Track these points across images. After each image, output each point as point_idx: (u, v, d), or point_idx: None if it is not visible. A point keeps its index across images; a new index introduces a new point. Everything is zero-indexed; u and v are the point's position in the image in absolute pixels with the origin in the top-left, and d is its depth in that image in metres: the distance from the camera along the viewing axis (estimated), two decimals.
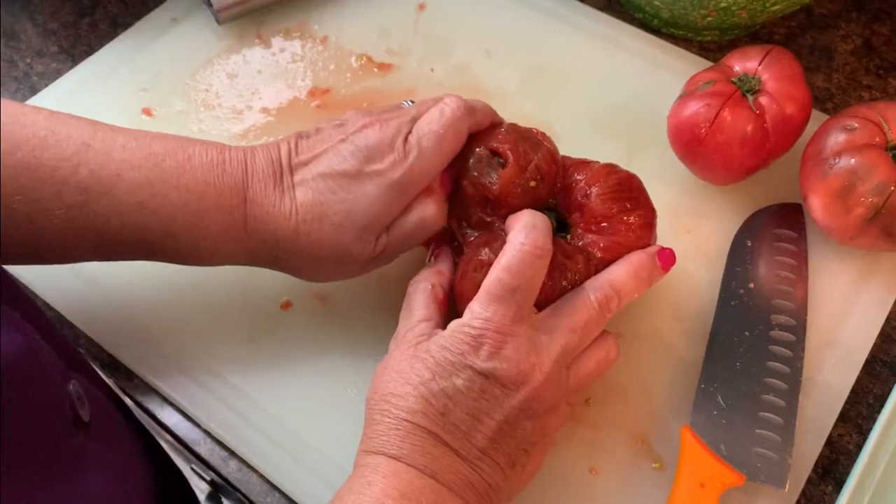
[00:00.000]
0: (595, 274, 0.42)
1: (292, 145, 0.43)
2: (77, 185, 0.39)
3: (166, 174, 0.40)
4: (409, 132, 0.42)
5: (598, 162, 0.45)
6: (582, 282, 0.42)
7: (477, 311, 0.38)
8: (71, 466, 0.34)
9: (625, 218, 0.43)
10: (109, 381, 0.48)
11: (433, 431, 0.36)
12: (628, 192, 0.44)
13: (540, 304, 0.40)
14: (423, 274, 0.43)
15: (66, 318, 0.49)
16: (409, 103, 0.46)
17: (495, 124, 0.46)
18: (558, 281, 0.41)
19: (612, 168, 0.45)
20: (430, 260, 0.45)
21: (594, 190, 0.43)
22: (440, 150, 0.42)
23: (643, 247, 0.43)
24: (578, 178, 0.44)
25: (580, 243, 0.43)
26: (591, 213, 0.43)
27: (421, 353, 0.38)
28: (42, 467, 0.31)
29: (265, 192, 0.41)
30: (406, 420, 0.37)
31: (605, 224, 0.43)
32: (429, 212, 0.43)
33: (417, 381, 0.37)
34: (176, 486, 0.52)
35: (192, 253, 0.42)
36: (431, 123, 0.42)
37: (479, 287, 0.39)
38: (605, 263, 0.42)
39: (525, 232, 0.39)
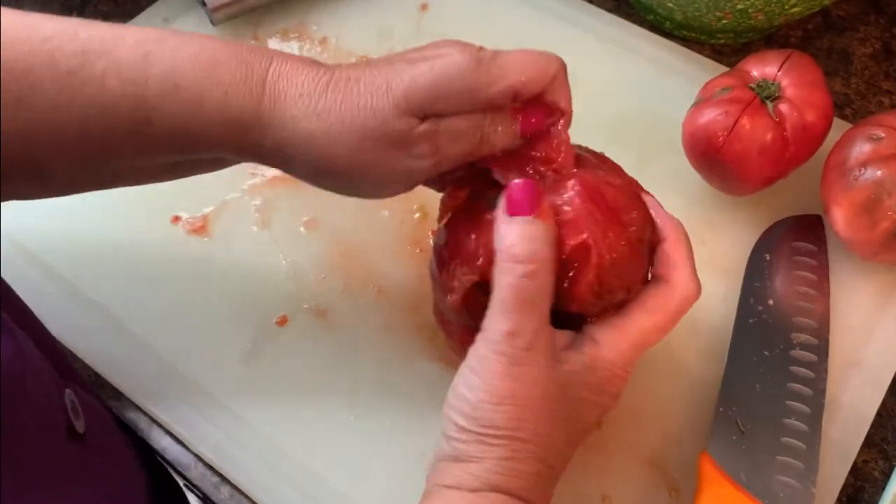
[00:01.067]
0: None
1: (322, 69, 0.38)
2: (73, 50, 0.35)
3: (176, 35, 0.36)
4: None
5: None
6: None
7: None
8: (65, 478, 0.32)
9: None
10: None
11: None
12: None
13: None
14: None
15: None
16: None
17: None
18: None
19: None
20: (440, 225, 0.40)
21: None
22: (525, 66, 0.36)
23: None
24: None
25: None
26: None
27: (571, 391, 0.35)
28: (36, 479, 0.30)
29: (297, 60, 0.37)
30: (556, 471, 0.34)
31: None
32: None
33: (562, 423, 0.34)
34: (173, 499, 0.50)
35: (193, 114, 0.36)
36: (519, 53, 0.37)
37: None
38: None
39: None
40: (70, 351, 0.46)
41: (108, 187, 0.40)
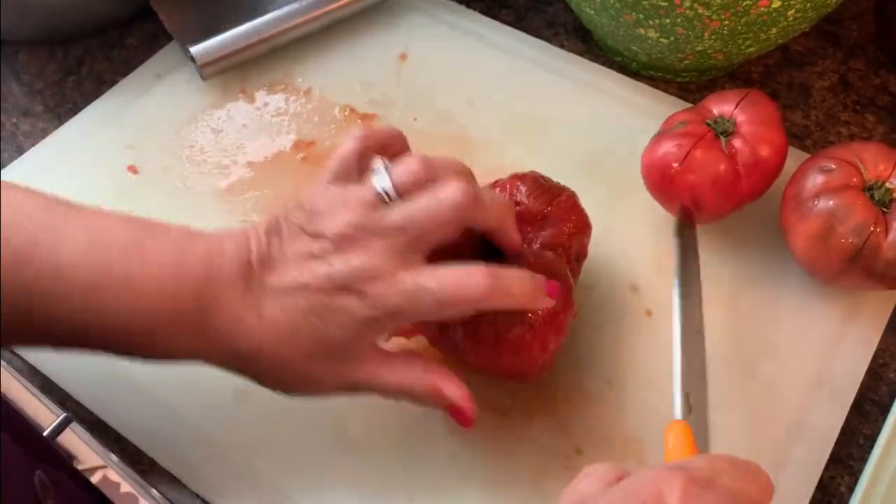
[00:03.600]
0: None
1: (264, 243, 0.38)
2: (22, 288, 0.36)
3: (116, 280, 0.36)
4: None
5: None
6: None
7: None
8: None
9: (556, 202, 0.46)
10: (97, 446, 0.48)
11: None
12: (544, 184, 0.47)
13: None
14: None
15: (50, 380, 0.49)
16: (382, 168, 0.38)
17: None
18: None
19: (519, 174, 0.48)
20: None
21: (522, 189, 0.46)
22: (405, 313, 0.37)
23: (577, 223, 0.46)
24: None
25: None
26: (529, 214, 0.45)
27: None
28: None
29: (230, 303, 0.37)
30: None
31: (542, 219, 0.45)
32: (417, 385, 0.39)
33: None
34: None
35: (144, 353, 0.39)
36: (406, 282, 0.37)
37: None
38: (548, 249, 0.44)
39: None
40: (71, 397, 0.48)
41: None
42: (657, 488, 0.28)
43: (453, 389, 0.39)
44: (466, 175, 0.39)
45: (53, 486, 0.36)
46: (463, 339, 0.42)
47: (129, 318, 0.36)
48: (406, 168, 0.38)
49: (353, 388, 0.39)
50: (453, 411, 0.40)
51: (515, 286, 0.38)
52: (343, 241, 0.36)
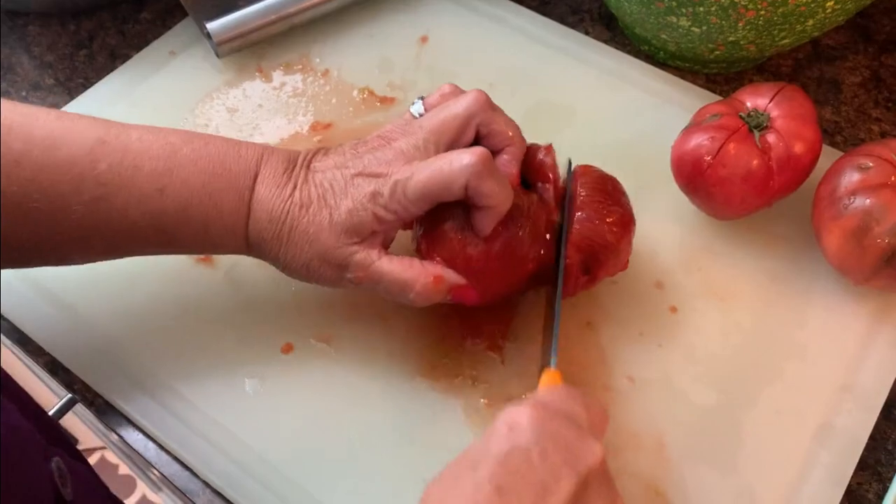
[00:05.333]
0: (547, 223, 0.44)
1: (311, 154, 0.44)
2: (96, 180, 0.40)
3: (185, 160, 0.41)
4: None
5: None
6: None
7: None
8: None
9: (603, 211, 0.44)
10: (102, 427, 0.47)
11: None
12: (609, 189, 0.46)
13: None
14: None
15: (59, 362, 0.48)
16: (417, 103, 0.45)
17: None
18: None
19: (590, 166, 0.47)
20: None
21: (579, 181, 0.46)
22: (428, 189, 0.41)
23: (616, 243, 0.44)
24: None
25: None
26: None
27: None
28: None
29: (274, 176, 0.42)
30: None
31: (581, 213, 0.44)
32: (419, 287, 0.42)
33: None
34: None
35: (204, 235, 0.42)
36: (426, 168, 0.41)
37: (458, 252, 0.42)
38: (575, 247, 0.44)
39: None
40: (79, 378, 0.47)
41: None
42: (512, 417, 0.33)
43: (452, 275, 0.42)
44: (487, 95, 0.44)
45: (70, 473, 0.35)
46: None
47: (195, 192, 0.41)
48: (438, 91, 0.45)
49: (359, 273, 0.42)
50: (457, 292, 0.43)
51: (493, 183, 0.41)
52: (377, 143, 0.43)
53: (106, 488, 0.43)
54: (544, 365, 0.41)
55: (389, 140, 0.43)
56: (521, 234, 0.43)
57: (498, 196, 0.40)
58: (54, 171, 0.39)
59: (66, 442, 0.43)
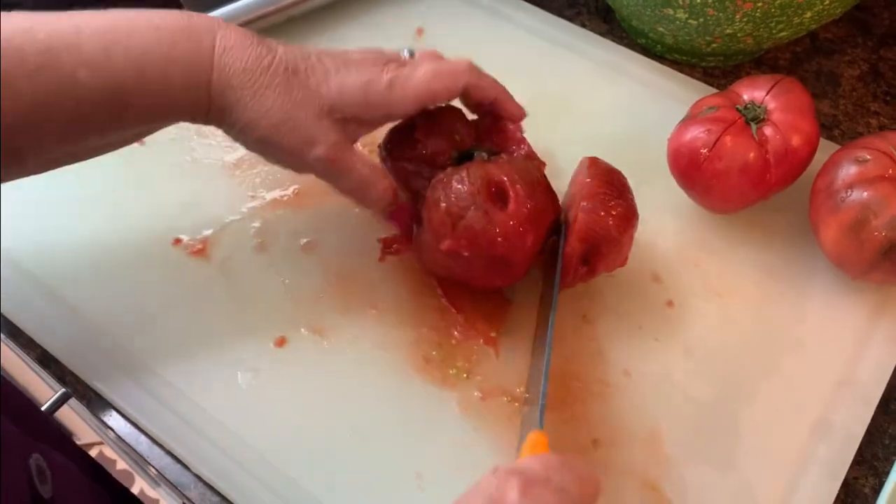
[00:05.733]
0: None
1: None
2: (36, 49, 0.37)
3: (130, 16, 0.40)
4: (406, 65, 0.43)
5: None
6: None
7: None
8: None
9: (609, 203, 0.44)
10: (95, 422, 0.46)
11: None
12: (616, 182, 0.45)
13: None
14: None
15: (51, 355, 0.48)
16: (408, 51, 0.47)
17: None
18: None
19: (598, 159, 0.47)
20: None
21: (586, 172, 0.45)
22: (426, 85, 0.43)
23: (618, 237, 0.44)
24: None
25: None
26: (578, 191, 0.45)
27: None
28: None
29: (241, 34, 0.41)
30: None
31: (586, 204, 0.44)
32: (377, 183, 0.43)
33: None
34: None
35: (161, 98, 0.40)
36: (429, 65, 0.43)
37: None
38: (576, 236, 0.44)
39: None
40: (70, 371, 0.47)
41: (80, 160, 0.43)
42: (498, 493, 0.31)
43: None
44: None
45: (52, 469, 0.34)
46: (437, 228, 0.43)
47: (148, 42, 0.39)
48: (426, 51, 0.46)
49: (329, 154, 0.42)
50: (398, 213, 0.45)
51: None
52: (363, 52, 0.44)
53: (93, 484, 0.43)
54: (529, 426, 0.40)
55: (369, 58, 0.43)
56: (536, 181, 0.44)
57: (497, 84, 0.45)
58: None
59: (55, 437, 0.42)
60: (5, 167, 0.40)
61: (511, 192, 0.42)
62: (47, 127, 0.39)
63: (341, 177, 0.43)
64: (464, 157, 0.45)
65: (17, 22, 0.38)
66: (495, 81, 0.46)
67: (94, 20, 0.39)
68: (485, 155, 0.45)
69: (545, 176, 0.45)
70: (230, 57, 0.40)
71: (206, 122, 0.42)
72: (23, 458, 0.33)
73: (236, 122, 0.42)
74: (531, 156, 0.47)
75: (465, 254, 0.42)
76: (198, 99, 0.41)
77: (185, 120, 0.42)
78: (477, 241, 0.42)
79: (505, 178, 0.43)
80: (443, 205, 0.42)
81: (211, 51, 0.40)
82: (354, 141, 0.44)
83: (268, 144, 0.42)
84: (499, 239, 0.42)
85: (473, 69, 0.45)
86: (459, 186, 0.42)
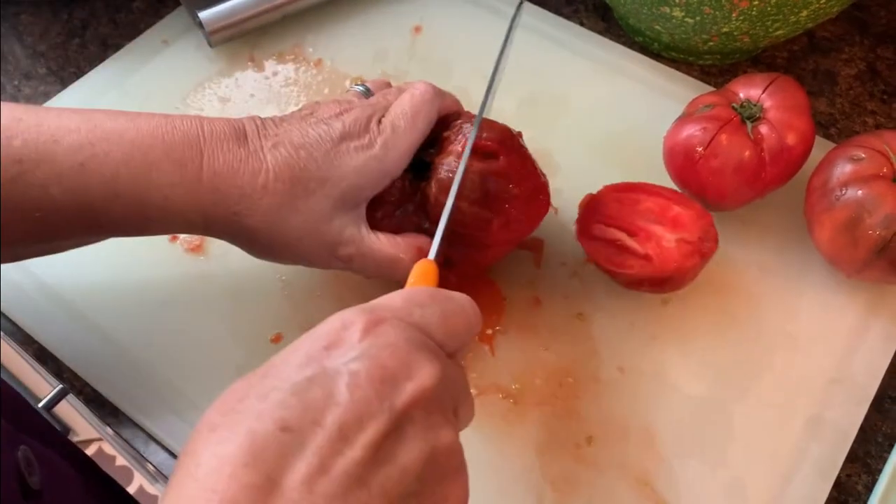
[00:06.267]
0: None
1: (258, 122, 0.41)
2: (10, 157, 0.37)
3: (108, 132, 0.38)
4: (383, 116, 0.42)
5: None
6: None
7: None
8: None
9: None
10: (93, 418, 0.47)
11: None
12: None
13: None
14: None
15: (48, 351, 0.48)
16: (360, 87, 0.47)
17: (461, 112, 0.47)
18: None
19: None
20: None
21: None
22: (413, 129, 0.42)
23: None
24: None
25: None
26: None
27: None
28: None
29: (228, 149, 0.39)
30: None
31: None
32: (405, 256, 0.42)
33: None
34: None
35: (138, 214, 0.39)
36: (404, 105, 0.43)
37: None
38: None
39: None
40: (68, 368, 0.47)
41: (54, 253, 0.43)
42: (340, 325, 0.28)
43: (426, 241, 0.43)
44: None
45: (40, 462, 0.34)
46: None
47: (123, 164, 0.38)
48: (381, 80, 0.48)
49: (350, 250, 0.41)
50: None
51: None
52: (339, 107, 0.42)
53: (84, 477, 0.43)
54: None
55: (346, 109, 0.42)
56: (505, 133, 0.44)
57: (451, 94, 0.47)
58: None
59: (46, 430, 0.42)
60: None
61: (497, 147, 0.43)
62: (17, 231, 0.38)
63: (367, 267, 0.42)
64: (418, 167, 0.44)
65: None
66: (449, 93, 0.47)
67: (73, 131, 0.38)
68: (432, 151, 0.44)
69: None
70: (222, 182, 0.39)
71: (206, 234, 0.42)
72: (12, 446, 0.33)
73: (243, 244, 0.42)
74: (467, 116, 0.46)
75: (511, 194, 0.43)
76: (188, 222, 0.40)
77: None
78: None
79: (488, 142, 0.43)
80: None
81: (198, 175, 0.39)
82: (363, 209, 0.42)
83: (283, 259, 0.43)
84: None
85: (439, 91, 0.45)
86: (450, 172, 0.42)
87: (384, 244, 0.42)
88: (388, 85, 0.48)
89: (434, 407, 0.28)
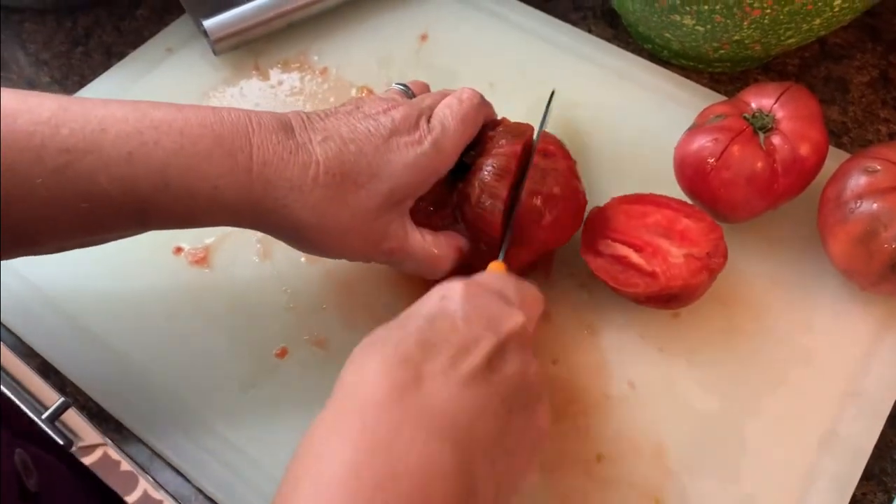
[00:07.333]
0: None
1: (303, 116, 0.41)
2: (58, 147, 0.36)
3: (157, 122, 0.38)
4: (431, 115, 0.43)
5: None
6: None
7: None
8: None
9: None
10: (97, 432, 0.46)
11: None
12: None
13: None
14: None
15: (51, 365, 0.47)
16: (401, 86, 0.47)
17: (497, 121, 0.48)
18: None
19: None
20: None
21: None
22: (462, 132, 0.43)
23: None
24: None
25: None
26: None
27: None
28: None
29: (277, 140, 0.39)
30: None
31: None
32: (451, 244, 0.44)
33: None
34: None
35: (186, 204, 0.38)
36: (453, 106, 0.43)
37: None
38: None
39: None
40: (71, 381, 0.47)
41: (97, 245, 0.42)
42: (445, 289, 0.37)
43: (465, 242, 0.45)
44: None
45: (37, 466, 0.34)
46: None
47: (173, 154, 0.37)
48: (420, 82, 0.49)
49: (393, 245, 0.42)
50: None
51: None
52: (382, 105, 0.42)
53: (81, 480, 0.42)
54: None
55: (397, 103, 0.43)
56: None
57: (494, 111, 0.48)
58: (12, 141, 0.36)
59: (37, 433, 0.42)
60: (22, 248, 0.39)
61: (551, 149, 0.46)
62: (63, 222, 0.38)
63: (406, 263, 0.43)
64: (456, 169, 0.44)
65: (39, 112, 0.36)
66: (490, 102, 0.48)
67: (120, 120, 0.37)
68: (472, 153, 0.45)
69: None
70: (272, 173, 0.38)
71: (250, 227, 0.41)
72: (9, 451, 0.33)
73: (289, 237, 0.42)
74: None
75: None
76: (235, 214, 0.39)
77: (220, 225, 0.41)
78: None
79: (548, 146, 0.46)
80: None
81: (248, 165, 0.38)
82: (408, 205, 0.43)
83: (326, 253, 0.42)
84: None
85: (484, 98, 0.46)
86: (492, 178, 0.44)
87: (428, 242, 0.43)
88: (427, 87, 0.49)
89: (525, 342, 0.36)
